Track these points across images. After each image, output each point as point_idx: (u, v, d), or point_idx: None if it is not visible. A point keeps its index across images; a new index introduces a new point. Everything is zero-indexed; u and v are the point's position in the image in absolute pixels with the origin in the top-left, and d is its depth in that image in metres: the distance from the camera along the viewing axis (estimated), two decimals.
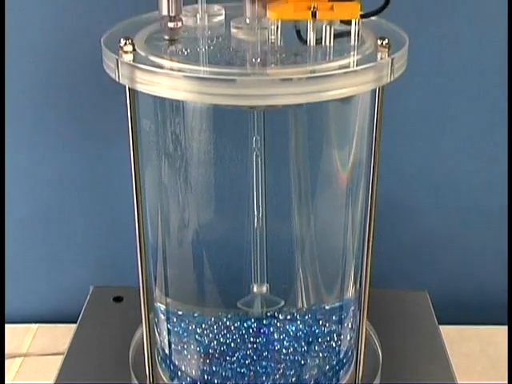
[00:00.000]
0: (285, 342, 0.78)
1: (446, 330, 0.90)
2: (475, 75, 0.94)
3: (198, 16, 0.69)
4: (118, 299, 0.93)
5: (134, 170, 0.67)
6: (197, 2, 0.70)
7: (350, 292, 0.78)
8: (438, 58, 0.93)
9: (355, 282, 0.78)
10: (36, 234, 1.02)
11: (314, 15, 0.62)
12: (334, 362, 0.79)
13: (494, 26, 0.91)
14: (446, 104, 0.95)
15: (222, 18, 0.70)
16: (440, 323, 0.90)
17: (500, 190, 0.98)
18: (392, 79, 0.62)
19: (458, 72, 0.94)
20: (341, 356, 0.80)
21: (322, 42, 0.64)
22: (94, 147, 0.97)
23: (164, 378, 0.80)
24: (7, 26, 0.89)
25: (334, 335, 0.79)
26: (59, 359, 0.84)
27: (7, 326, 0.96)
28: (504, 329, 0.97)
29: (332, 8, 0.62)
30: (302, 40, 0.65)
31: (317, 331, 0.79)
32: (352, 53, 0.63)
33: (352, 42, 0.63)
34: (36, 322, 1.03)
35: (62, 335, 0.98)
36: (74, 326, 0.89)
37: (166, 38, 0.65)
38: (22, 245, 1.02)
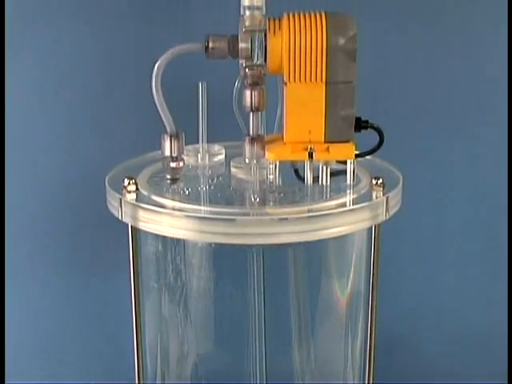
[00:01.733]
0: None
1: None
2: (471, 207, 0.96)
3: (199, 155, 0.72)
4: None
5: (135, 302, 0.68)
6: (198, 142, 0.73)
7: None
8: (433, 194, 0.95)
9: None
10: (33, 362, 1.01)
11: (310, 156, 0.64)
12: None
13: (488, 158, 0.94)
14: (442, 236, 0.97)
15: (223, 157, 0.73)
16: None
17: (498, 317, 0.98)
18: (387, 217, 0.63)
19: (453, 205, 0.96)
20: None
21: (319, 180, 0.66)
22: (94, 279, 0.97)
23: None
24: (13, 162, 0.91)
25: None
26: None
27: None
28: None
29: (328, 149, 0.65)
30: (300, 178, 0.67)
31: None
32: (348, 191, 0.65)
33: (348, 181, 0.66)
34: None
35: None
36: None
37: (168, 177, 0.67)
38: (19, 374, 1.01)
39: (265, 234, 0.59)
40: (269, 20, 0.64)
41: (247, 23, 0.65)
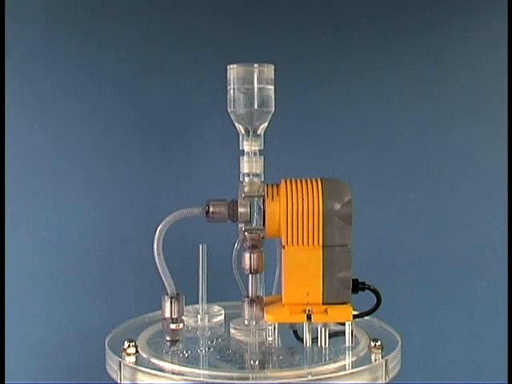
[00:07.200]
0: None
1: None
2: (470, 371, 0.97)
3: (199, 317, 0.73)
4: None
5: None
6: (198, 302, 0.74)
7: None
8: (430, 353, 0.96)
9: None
10: None
11: (309, 318, 0.65)
12: None
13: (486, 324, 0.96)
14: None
15: (222, 318, 0.74)
16: None
17: None
18: (388, 380, 0.63)
19: (451, 366, 0.96)
20: None
21: (317, 342, 0.66)
22: None
23: None
24: (12, 321, 0.91)
25: None
26: None
27: None
28: None
29: (326, 311, 0.65)
30: (299, 339, 0.67)
31: None
32: (347, 353, 0.65)
33: (347, 343, 0.66)
34: None
35: None
36: None
37: (168, 338, 0.68)
38: None
39: None
40: (267, 186, 0.67)
41: (246, 189, 0.68)
